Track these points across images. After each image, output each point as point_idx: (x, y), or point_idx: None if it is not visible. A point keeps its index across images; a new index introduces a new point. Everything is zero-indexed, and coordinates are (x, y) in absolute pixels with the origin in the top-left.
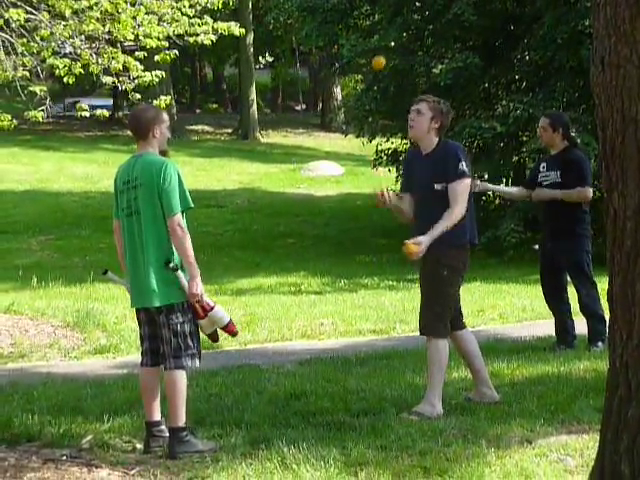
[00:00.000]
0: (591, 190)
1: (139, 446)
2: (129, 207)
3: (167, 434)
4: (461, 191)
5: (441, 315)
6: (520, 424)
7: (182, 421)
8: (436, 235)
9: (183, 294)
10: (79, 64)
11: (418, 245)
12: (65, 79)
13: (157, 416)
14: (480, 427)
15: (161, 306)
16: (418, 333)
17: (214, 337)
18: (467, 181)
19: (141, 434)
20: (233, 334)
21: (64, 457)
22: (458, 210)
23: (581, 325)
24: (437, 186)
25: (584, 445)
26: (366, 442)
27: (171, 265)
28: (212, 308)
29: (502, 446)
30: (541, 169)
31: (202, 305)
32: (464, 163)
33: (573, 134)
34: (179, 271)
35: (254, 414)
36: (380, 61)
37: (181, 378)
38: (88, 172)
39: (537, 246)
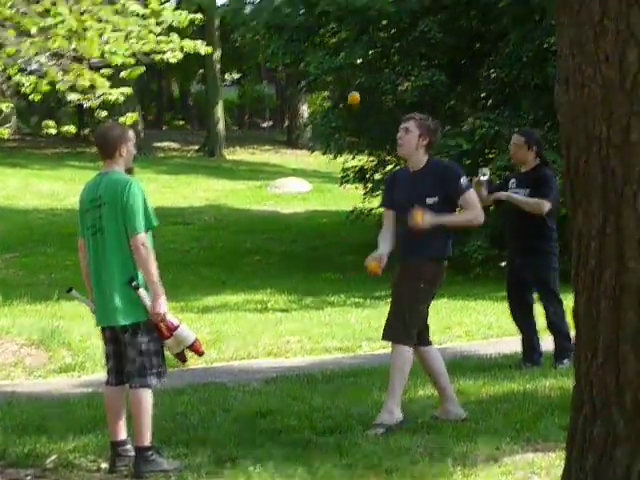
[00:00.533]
0: (547, 205)
1: (104, 466)
2: (94, 225)
3: (133, 453)
4: (473, 199)
5: (408, 326)
6: (486, 442)
7: (148, 440)
8: (442, 221)
9: (148, 313)
10: (45, 81)
11: (423, 215)
12: (31, 97)
13: (122, 435)
14: (446, 445)
15: (126, 325)
16: (381, 338)
17: (182, 357)
18: (473, 193)
19: (106, 453)
20: (199, 354)
21: (28, 477)
22: (474, 213)
23: (547, 342)
24: (429, 200)
25: (550, 463)
26: (332, 461)
27: (133, 284)
28: (177, 327)
29: (468, 464)
30: (510, 185)
31: (167, 325)
32: (464, 178)
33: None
34: (141, 290)
35: (220, 433)
36: (355, 97)
37: (147, 397)
38: (54, 189)
39: (503, 263)
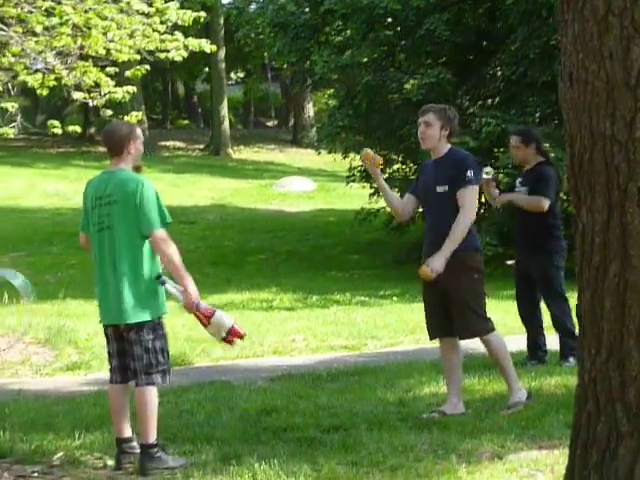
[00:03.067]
0: (545, 202)
1: (110, 462)
2: (101, 223)
3: (138, 450)
4: (469, 198)
5: (483, 314)
6: (491, 439)
7: (153, 437)
8: (447, 253)
9: (154, 311)
10: (52, 77)
11: (430, 269)
12: (38, 91)
13: (128, 432)
14: (451, 442)
15: (131, 323)
16: (462, 337)
17: (229, 341)
18: (474, 188)
19: (112, 450)
20: (240, 336)
21: (35, 474)
22: (465, 217)
23: (553, 340)
24: (439, 188)
25: (554, 461)
26: (337, 458)
27: (161, 279)
28: (213, 313)
29: (473, 461)
30: (517, 184)
31: (202, 313)
32: (472, 171)
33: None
34: (168, 284)
35: (225, 430)
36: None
37: (152, 394)
38: (59, 189)
39: (510, 262)
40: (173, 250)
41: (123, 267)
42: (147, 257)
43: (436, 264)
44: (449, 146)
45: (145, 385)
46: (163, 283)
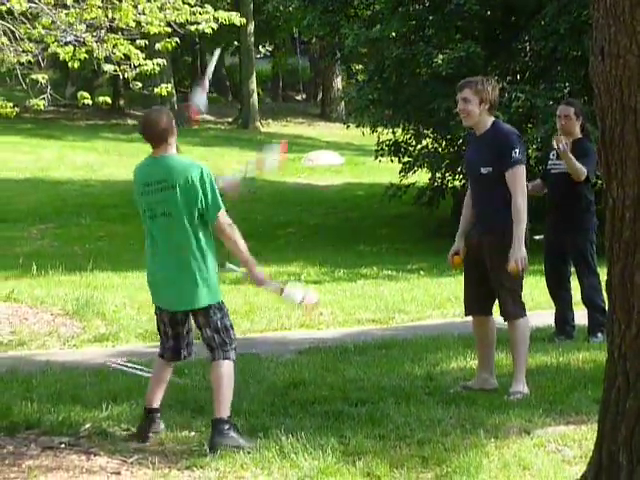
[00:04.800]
0: (585, 174)
1: None
2: (153, 209)
3: (163, 426)
4: (518, 179)
5: (520, 295)
6: (518, 414)
7: (226, 413)
8: (521, 238)
9: (218, 292)
10: (83, 49)
11: (516, 265)
12: (69, 64)
13: (156, 404)
14: (478, 417)
15: (201, 307)
16: (503, 320)
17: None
18: (521, 167)
19: (139, 422)
20: (312, 308)
21: (63, 445)
22: (520, 200)
23: (581, 316)
24: (483, 170)
25: (582, 436)
26: (364, 431)
27: (228, 267)
28: (281, 291)
29: (500, 436)
30: (551, 156)
31: (272, 291)
32: (517, 150)
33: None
34: (229, 265)
35: (253, 403)
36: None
37: (230, 369)
38: (88, 161)
39: (538, 237)
40: (238, 234)
41: (184, 252)
42: (207, 240)
43: (518, 255)
44: (492, 119)
45: (223, 359)
46: (222, 265)
